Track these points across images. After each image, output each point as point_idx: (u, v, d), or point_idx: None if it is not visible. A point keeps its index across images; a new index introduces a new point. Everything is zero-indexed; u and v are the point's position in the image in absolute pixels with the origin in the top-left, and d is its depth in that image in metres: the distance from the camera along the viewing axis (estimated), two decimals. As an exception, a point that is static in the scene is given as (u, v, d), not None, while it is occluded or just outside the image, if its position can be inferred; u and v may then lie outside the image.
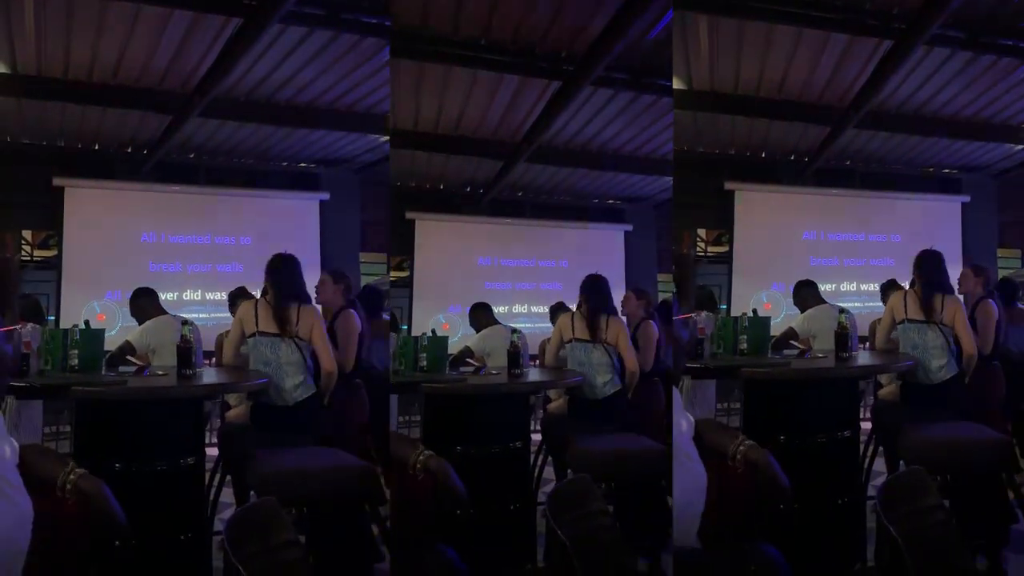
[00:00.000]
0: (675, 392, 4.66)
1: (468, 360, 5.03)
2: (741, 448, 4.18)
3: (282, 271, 4.65)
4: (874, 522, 4.25)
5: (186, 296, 6.84)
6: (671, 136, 6.76)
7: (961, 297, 5.07)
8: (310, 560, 4.16)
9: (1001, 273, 6.79)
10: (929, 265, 4.94)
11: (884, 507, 3.67)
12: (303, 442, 4.33)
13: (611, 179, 7.42)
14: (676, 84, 6.23)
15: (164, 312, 4.88)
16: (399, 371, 4.60)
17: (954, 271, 6.56)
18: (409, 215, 7.47)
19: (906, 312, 4.81)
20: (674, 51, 5.87)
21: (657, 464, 4.67)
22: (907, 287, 4.99)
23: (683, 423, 4.37)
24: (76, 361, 4.16)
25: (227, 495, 4.35)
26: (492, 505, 4.45)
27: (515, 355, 4.84)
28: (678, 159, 6.87)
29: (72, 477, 3.50)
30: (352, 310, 4.99)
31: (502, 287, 6.85)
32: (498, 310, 5.49)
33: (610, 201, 7.60)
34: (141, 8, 5.40)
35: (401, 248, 7.46)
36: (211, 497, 4.26)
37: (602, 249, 7.44)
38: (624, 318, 5.29)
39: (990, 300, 5.05)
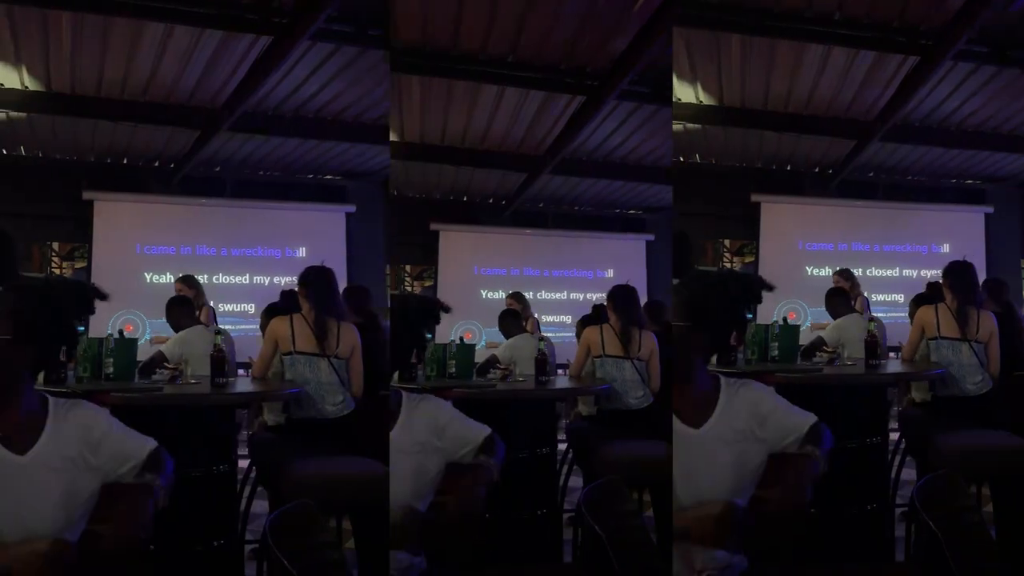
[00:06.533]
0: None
1: (497, 366, 5.02)
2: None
3: (319, 285, 4.30)
4: (902, 531, 4.26)
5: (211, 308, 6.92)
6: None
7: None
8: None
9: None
10: (962, 278, 4.53)
11: (923, 504, 3.63)
12: (337, 453, 4.29)
13: (631, 189, 7.47)
14: (707, 100, 6.31)
15: (198, 322, 4.88)
16: (430, 377, 4.57)
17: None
18: (433, 226, 7.55)
19: (938, 329, 4.52)
20: (705, 68, 5.94)
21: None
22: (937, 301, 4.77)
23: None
24: (111, 369, 4.19)
25: (257, 506, 4.37)
26: (518, 512, 4.45)
27: (543, 362, 4.82)
28: (704, 171, 6.95)
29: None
30: (353, 326, 4.79)
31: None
32: (521, 320, 5.49)
33: (631, 211, 7.66)
34: (174, 28, 5.42)
35: (425, 258, 7.53)
36: (242, 507, 4.27)
37: (624, 259, 7.48)
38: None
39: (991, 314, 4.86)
